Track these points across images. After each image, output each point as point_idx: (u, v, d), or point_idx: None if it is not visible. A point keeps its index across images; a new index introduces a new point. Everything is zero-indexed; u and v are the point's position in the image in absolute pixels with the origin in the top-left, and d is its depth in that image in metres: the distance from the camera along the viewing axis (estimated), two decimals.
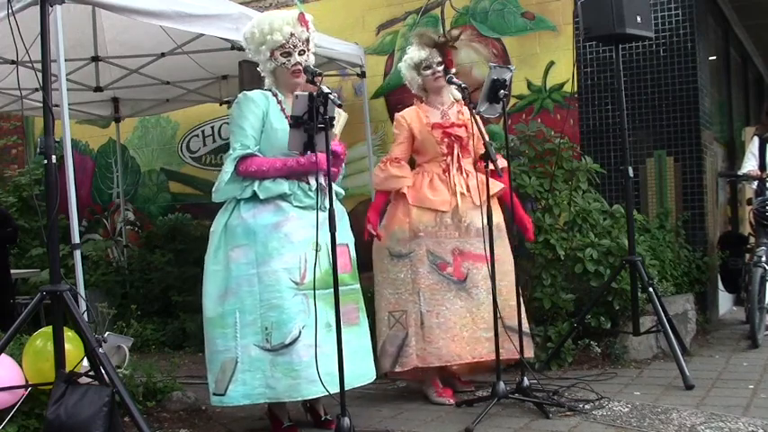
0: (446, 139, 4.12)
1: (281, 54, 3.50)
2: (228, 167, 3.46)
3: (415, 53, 4.20)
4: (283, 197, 3.47)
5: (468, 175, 4.14)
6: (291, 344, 3.33)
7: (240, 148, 3.46)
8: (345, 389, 3.15)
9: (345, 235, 3.62)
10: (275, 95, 3.57)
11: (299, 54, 3.52)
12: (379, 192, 4.22)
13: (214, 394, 3.43)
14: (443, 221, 4.06)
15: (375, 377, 3.66)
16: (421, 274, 4.02)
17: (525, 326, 4.07)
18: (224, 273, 3.45)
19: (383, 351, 4.04)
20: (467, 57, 6.12)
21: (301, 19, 3.53)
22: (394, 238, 4.09)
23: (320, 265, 3.40)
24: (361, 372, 3.54)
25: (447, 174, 4.13)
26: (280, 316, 3.36)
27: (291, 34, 3.49)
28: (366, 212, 4.17)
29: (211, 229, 3.57)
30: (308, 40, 3.56)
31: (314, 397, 3.43)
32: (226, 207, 3.57)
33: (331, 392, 3.19)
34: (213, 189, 3.54)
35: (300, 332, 3.33)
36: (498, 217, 4.12)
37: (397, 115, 4.28)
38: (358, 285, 3.69)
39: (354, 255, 3.71)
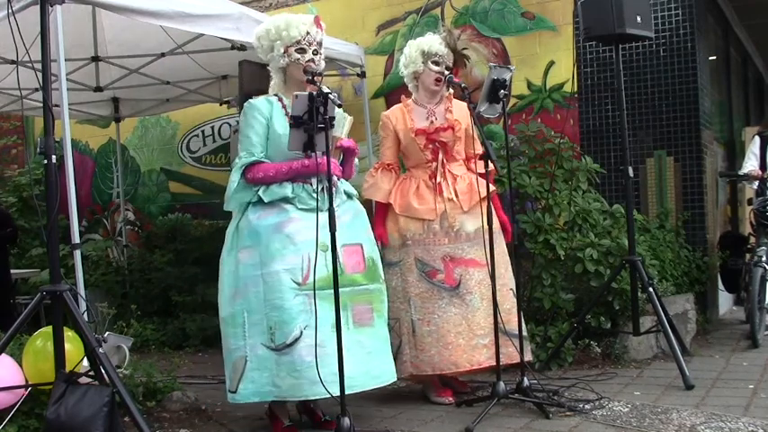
0: (430, 146, 4.07)
1: (295, 50, 3.55)
2: (235, 177, 3.52)
3: (434, 43, 4.08)
4: (287, 200, 3.50)
5: (455, 180, 4.10)
6: (293, 344, 3.33)
7: (245, 156, 3.52)
8: (359, 390, 3.21)
9: (359, 234, 3.61)
10: (280, 100, 3.61)
11: (314, 53, 3.58)
12: (378, 203, 4.17)
13: (229, 391, 3.49)
14: (431, 228, 4.01)
15: (395, 379, 3.61)
16: (410, 282, 4.00)
17: (515, 329, 3.98)
18: (235, 274, 3.52)
19: None
20: None
21: (317, 22, 3.63)
22: (385, 246, 4.08)
23: (327, 265, 3.35)
24: (376, 373, 3.48)
25: (433, 180, 4.08)
26: (281, 316, 3.37)
27: (308, 33, 3.58)
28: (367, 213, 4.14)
29: (227, 231, 3.66)
30: (320, 43, 3.64)
31: (316, 398, 3.42)
32: (239, 209, 3.62)
33: (333, 394, 3.17)
34: (225, 199, 3.59)
35: (302, 332, 3.33)
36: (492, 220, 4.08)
37: (382, 115, 4.25)
38: (374, 285, 3.59)
39: (374, 254, 3.66)
